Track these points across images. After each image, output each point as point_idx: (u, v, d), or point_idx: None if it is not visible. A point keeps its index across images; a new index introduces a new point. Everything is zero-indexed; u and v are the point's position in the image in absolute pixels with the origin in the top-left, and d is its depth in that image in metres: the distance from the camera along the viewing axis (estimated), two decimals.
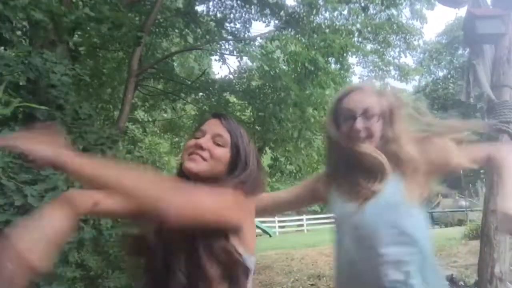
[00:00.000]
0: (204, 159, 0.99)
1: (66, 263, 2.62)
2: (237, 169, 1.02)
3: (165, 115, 10.08)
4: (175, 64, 8.86)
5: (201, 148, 1.00)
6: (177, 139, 10.97)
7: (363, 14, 8.33)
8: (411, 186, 1.15)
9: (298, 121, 6.82)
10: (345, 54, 7.25)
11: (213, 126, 1.05)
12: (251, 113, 7.92)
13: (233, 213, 0.91)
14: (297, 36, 7.72)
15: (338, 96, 1.27)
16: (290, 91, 6.05)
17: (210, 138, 1.02)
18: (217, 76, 9.55)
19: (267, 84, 6.20)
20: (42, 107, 2.77)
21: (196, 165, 0.98)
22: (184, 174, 1.01)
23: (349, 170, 1.21)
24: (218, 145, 1.02)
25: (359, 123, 1.16)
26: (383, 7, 7.92)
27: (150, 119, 9.76)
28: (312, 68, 6.32)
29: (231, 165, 1.02)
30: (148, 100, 8.66)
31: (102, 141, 3.10)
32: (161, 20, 6.92)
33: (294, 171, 8.91)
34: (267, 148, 9.26)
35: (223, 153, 1.02)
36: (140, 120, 8.92)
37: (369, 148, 1.15)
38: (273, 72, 6.45)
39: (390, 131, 1.18)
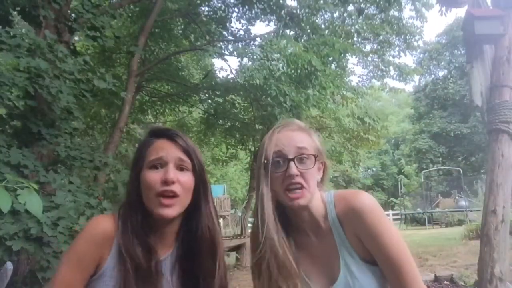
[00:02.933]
0: (176, 196, 0.90)
1: None
2: (206, 192, 0.97)
3: (170, 117, 10.11)
4: (180, 65, 8.88)
5: (171, 183, 0.89)
6: None
7: (363, 15, 8.34)
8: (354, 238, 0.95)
9: None
10: (343, 55, 7.25)
11: (171, 150, 0.92)
12: (253, 113, 7.94)
13: None
14: (297, 37, 7.73)
15: (266, 136, 1.01)
16: (286, 95, 6.05)
17: (174, 166, 0.91)
18: (217, 77, 9.54)
19: (265, 85, 6.20)
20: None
21: (173, 211, 0.90)
22: (145, 214, 0.91)
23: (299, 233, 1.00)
24: (182, 170, 0.93)
25: (294, 168, 0.93)
26: (378, 10, 7.93)
27: (153, 120, 9.78)
28: (312, 69, 6.32)
29: (198, 190, 0.96)
30: (156, 103, 8.67)
31: (95, 164, 3.20)
32: (159, 22, 6.93)
33: None
34: None
35: (190, 179, 0.94)
36: (144, 121, 8.94)
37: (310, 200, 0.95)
38: (272, 74, 6.46)
39: (322, 173, 1.01)
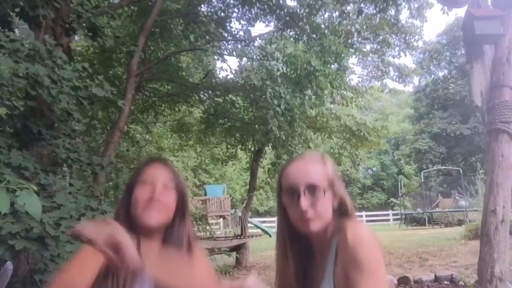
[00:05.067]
0: (159, 211, 1.07)
1: None
2: (184, 212, 1.14)
3: (170, 116, 10.12)
4: (180, 65, 8.88)
5: (157, 200, 1.07)
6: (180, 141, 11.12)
7: (362, 15, 8.34)
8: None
9: (287, 129, 6.77)
10: (339, 58, 7.26)
11: (159, 174, 1.11)
12: (253, 113, 7.94)
13: None
14: (296, 37, 7.73)
15: (281, 168, 1.12)
16: (281, 97, 6.06)
17: (162, 188, 1.09)
18: (217, 77, 9.55)
19: (263, 86, 6.21)
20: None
21: (156, 220, 1.07)
22: (132, 223, 1.07)
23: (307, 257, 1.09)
24: (167, 191, 1.10)
25: (304, 202, 0.99)
26: (377, 9, 7.92)
27: (155, 121, 9.79)
28: (311, 69, 6.32)
29: (178, 209, 1.12)
30: (156, 103, 8.67)
31: (93, 167, 3.22)
32: (159, 22, 6.93)
33: None
34: (266, 148, 9.27)
35: (173, 200, 1.11)
36: (143, 121, 8.93)
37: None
38: (270, 75, 6.47)
39: (338, 201, 1.06)
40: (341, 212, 1.05)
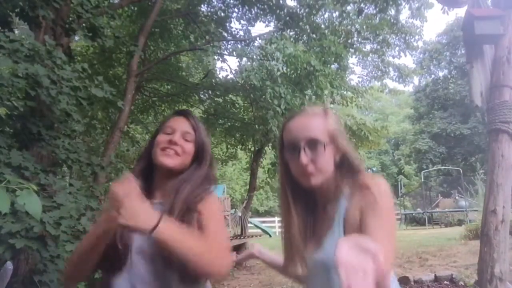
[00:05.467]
0: (177, 154, 1.16)
1: None
2: (201, 160, 1.21)
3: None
4: (180, 65, 8.88)
5: (175, 144, 1.16)
6: None
7: (362, 15, 8.34)
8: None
9: None
10: (342, 56, 7.25)
11: (181, 124, 1.21)
12: (253, 113, 7.94)
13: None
14: (296, 37, 7.73)
15: (283, 123, 1.12)
16: (281, 97, 6.05)
17: (181, 135, 1.18)
18: (217, 77, 9.56)
19: (263, 86, 6.21)
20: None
21: (172, 160, 1.15)
22: (151, 166, 1.19)
23: (308, 210, 1.11)
24: (187, 140, 1.19)
25: (304, 157, 1.01)
26: (377, 9, 7.92)
27: (155, 121, 9.80)
28: (311, 69, 6.32)
29: (195, 157, 1.21)
30: (156, 103, 8.67)
31: (93, 167, 3.22)
32: (159, 22, 6.93)
33: None
34: (266, 148, 9.27)
35: (191, 148, 1.20)
36: (143, 121, 8.94)
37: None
38: (270, 75, 6.47)
39: (340, 156, 1.06)
40: (346, 166, 1.05)
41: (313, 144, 1.01)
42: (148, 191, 1.15)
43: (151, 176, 1.20)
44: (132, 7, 7.30)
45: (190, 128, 1.21)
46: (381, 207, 0.92)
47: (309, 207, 1.11)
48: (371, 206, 0.92)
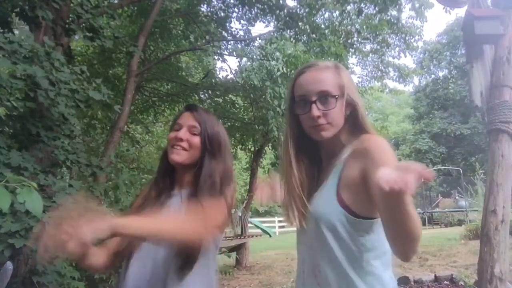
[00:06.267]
0: (184, 149, 1.22)
1: (70, 264, 2.66)
2: (213, 151, 1.23)
3: (170, 117, 10.12)
4: (180, 65, 8.88)
5: (181, 140, 1.22)
6: None
7: (362, 15, 8.33)
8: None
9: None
10: (342, 56, 7.25)
11: (187, 119, 1.26)
12: (253, 113, 7.94)
13: (227, 214, 1.17)
14: (296, 37, 7.72)
15: (293, 77, 1.12)
16: (282, 98, 6.06)
17: (187, 129, 1.24)
18: (217, 77, 9.55)
19: (263, 86, 6.21)
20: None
21: (179, 157, 1.22)
22: (168, 162, 1.25)
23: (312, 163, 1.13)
24: (194, 134, 1.24)
25: (315, 110, 1.01)
26: (377, 9, 7.91)
27: (155, 121, 9.80)
28: None
29: (203, 149, 1.24)
30: (156, 103, 8.66)
31: (92, 169, 3.22)
32: (159, 22, 6.92)
33: None
34: (266, 148, 9.26)
35: (198, 140, 1.23)
36: (143, 122, 8.93)
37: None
38: (270, 75, 6.47)
39: (352, 109, 1.06)
40: (354, 122, 1.05)
41: (324, 97, 1.01)
42: (170, 185, 1.27)
43: (174, 171, 1.28)
44: (132, 7, 7.29)
45: (195, 121, 1.24)
46: (380, 156, 0.94)
47: (314, 162, 1.12)
48: (371, 162, 0.93)
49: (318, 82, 1.03)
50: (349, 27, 8.80)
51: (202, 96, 8.77)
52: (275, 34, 7.48)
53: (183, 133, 1.23)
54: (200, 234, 1.04)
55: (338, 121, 1.03)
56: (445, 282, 4.90)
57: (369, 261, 0.99)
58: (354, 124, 1.05)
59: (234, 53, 8.01)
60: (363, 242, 0.99)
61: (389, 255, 1.05)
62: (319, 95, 1.02)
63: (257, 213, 23.37)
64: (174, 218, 1.10)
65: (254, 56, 7.51)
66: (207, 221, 1.07)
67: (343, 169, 1.01)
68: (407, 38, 9.90)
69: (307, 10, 7.48)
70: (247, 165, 11.32)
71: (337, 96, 1.02)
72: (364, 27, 8.86)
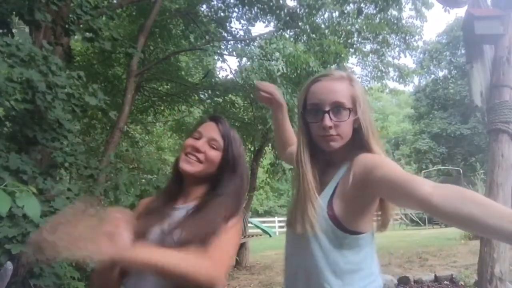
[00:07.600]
0: (199, 161, 1.12)
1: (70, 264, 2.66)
2: (226, 171, 1.14)
3: (170, 116, 10.12)
4: (180, 65, 8.87)
5: (197, 150, 1.12)
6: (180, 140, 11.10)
7: (362, 15, 8.33)
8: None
9: None
10: (342, 56, 7.25)
11: (210, 130, 1.16)
12: (253, 113, 7.93)
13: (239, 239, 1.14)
14: (296, 37, 7.72)
15: (306, 85, 1.10)
16: None
17: (206, 141, 1.13)
18: (217, 77, 9.55)
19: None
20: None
21: (192, 167, 1.11)
22: (178, 170, 1.14)
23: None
24: (213, 148, 1.13)
25: (328, 120, 1.01)
26: (377, 9, 7.91)
27: (155, 121, 9.80)
28: (310, 70, 6.32)
29: (221, 167, 1.14)
30: (156, 103, 8.66)
31: (91, 170, 3.21)
32: (158, 22, 6.92)
33: None
34: (267, 148, 9.27)
35: (216, 156, 1.13)
36: (143, 122, 8.93)
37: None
38: (270, 75, 6.47)
39: (359, 123, 1.05)
40: (359, 137, 1.05)
41: (337, 108, 1.01)
42: (175, 195, 1.16)
43: (178, 178, 1.18)
44: (132, 7, 7.29)
45: (218, 135, 1.14)
46: (382, 165, 0.92)
47: (320, 167, 1.12)
48: (370, 171, 0.93)
49: (333, 92, 1.02)
50: (349, 27, 8.79)
51: (202, 96, 8.77)
52: (275, 34, 7.48)
53: (201, 144, 1.12)
54: (212, 278, 0.94)
55: (347, 133, 1.04)
56: (445, 282, 4.90)
57: (352, 275, 1.01)
58: (359, 140, 1.05)
59: (234, 53, 8.00)
60: (347, 255, 1.00)
61: (376, 277, 1.06)
62: (333, 105, 1.01)
63: (257, 213, 23.37)
64: (186, 254, 0.96)
65: (254, 56, 7.50)
66: (222, 261, 0.99)
67: (340, 181, 1.03)
68: (407, 38, 9.89)
69: (307, 10, 7.48)
70: (247, 165, 11.32)
71: (350, 109, 1.02)
72: (364, 27, 8.86)
